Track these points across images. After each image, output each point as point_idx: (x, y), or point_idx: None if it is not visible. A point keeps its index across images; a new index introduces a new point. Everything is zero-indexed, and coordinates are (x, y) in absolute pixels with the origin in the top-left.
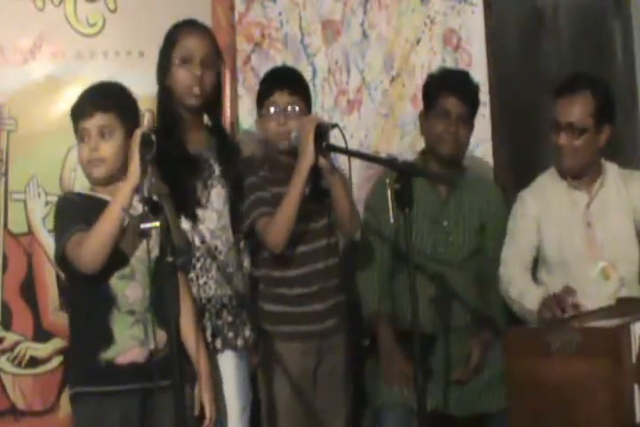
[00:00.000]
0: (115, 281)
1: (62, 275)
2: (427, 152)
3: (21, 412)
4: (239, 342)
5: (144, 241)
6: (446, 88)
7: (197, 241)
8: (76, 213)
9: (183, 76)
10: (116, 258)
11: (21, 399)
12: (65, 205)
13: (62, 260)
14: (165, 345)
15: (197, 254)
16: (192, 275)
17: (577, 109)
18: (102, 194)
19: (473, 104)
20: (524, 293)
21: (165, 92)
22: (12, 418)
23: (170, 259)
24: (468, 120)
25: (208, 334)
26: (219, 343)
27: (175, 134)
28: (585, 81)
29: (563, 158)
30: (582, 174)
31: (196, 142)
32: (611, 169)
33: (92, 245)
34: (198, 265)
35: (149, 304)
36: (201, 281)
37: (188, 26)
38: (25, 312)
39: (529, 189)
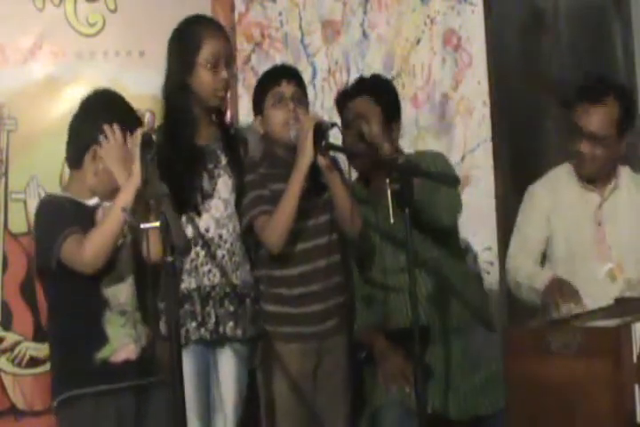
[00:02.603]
0: (105, 285)
1: (45, 280)
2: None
3: (21, 412)
4: (238, 333)
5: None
6: (342, 97)
7: (202, 229)
8: (63, 216)
9: (212, 80)
10: (107, 262)
11: (21, 399)
12: (51, 207)
13: (57, 263)
14: (150, 342)
15: (201, 243)
16: (196, 263)
17: (603, 119)
18: (78, 197)
19: (376, 97)
20: (533, 275)
21: (183, 91)
22: (12, 418)
23: (170, 259)
24: (376, 114)
25: (212, 321)
26: (221, 330)
27: (185, 130)
28: (612, 88)
29: (583, 165)
30: (597, 178)
31: (204, 135)
32: (624, 172)
33: (96, 246)
34: (202, 253)
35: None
36: (205, 268)
37: (209, 25)
38: (25, 312)
39: (540, 183)
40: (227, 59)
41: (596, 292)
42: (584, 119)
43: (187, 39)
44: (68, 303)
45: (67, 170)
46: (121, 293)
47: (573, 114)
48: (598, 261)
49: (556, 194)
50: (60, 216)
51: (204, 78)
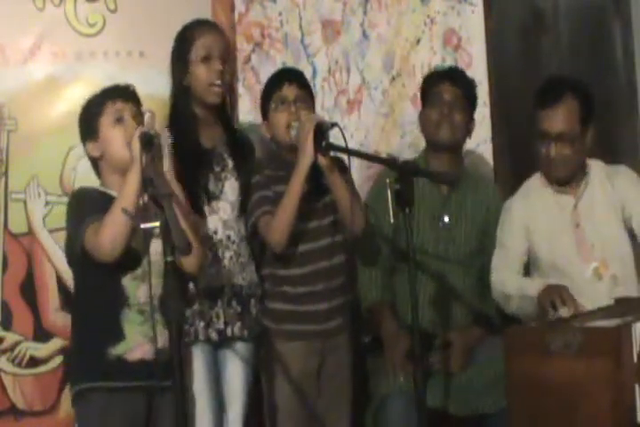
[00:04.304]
0: (127, 282)
1: (74, 271)
2: (427, 149)
3: (21, 412)
4: (245, 332)
5: (158, 242)
6: (437, 77)
7: (210, 231)
8: (91, 205)
9: (206, 73)
10: (129, 259)
11: (21, 399)
12: (81, 197)
13: (82, 253)
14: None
15: (210, 244)
16: (204, 264)
17: (564, 118)
18: (114, 191)
19: (467, 91)
20: (523, 285)
21: (183, 93)
22: (12, 418)
23: (170, 258)
24: (464, 107)
25: (221, 321)
26: (229, 332)
27: (189, 132)
28: (566, 86)
29: (554, 169)
30: (569, 180)
31: (210, 138)
32: (595, 167)
33: (110, 234)
34: (210, 254)
35: (158, 303)
36: (213, 270)
37: (201, 24)
38: (25, 312)
39: (515, 197)
40: (221, 53)
41: (585, 293)
42: (547, 122)
43: (181, 42)
44: (89, 295)
45: (67, 170)
46: (142, 292)
47: (539, 122)
48: (582, 262)
49: (530, 205)
50: (85, 206)
51: (197, 73)
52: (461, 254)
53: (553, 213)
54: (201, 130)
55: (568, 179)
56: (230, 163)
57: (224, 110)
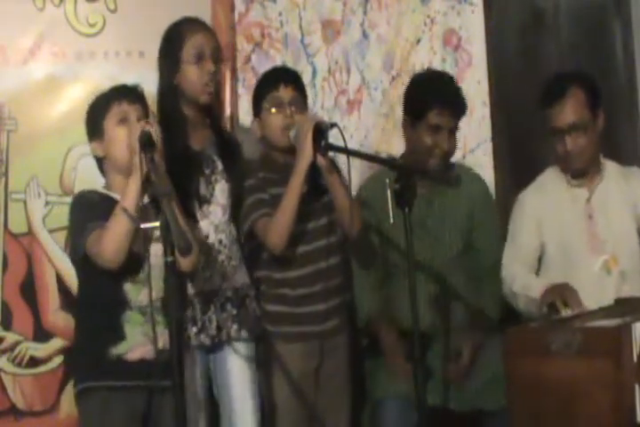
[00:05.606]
0: (129, 287)
1: (77, 273)
2: (410, 158)
3: (21, 412)
4: (243, 334)
5: (158, 245)
6: (438, 102)
7: (203, 236)
8: (93, 210)
9: (198, 74)
10: (131, 263)
11: (21, 399)
12: (82, 202)
13: (84, 258)
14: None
15: (202, 248)
16: (197, 268)
17: (574, 109)
18: (116, 193)
19: (462, 113)
20: (528, 285)
21: (172, 91)
22: (12, 418)
23: (169, 259)
24: (456, 129)
25: (213, 326)
26: (224, 336)
27: (178, 132)
28: (568, 79)
29: (573, 161)
30: (585, 172)
31: (199, 140)
32: (610, 166)
33: (111, 243)
34: (203, 258)
35: (160, 305)
36: (207, 274)
37: (191, 23)
38: (25, 312)
39: (528, 190)
40: (212, 53)
41: (593, 286)
42: (558, 118)
43: (171, 39)
44: (91, 297)
45: (67, 170)
46: (144, 296)
47: (548, 120)
48: (593, 254)
49: (544, 197)
50: (86, 211)
51: (189, 73)
52: (449, 257)
53: (566, 205)
54: (190, 131)
55: (585, 170)
56: (219, 165)
57: (212, 111)
